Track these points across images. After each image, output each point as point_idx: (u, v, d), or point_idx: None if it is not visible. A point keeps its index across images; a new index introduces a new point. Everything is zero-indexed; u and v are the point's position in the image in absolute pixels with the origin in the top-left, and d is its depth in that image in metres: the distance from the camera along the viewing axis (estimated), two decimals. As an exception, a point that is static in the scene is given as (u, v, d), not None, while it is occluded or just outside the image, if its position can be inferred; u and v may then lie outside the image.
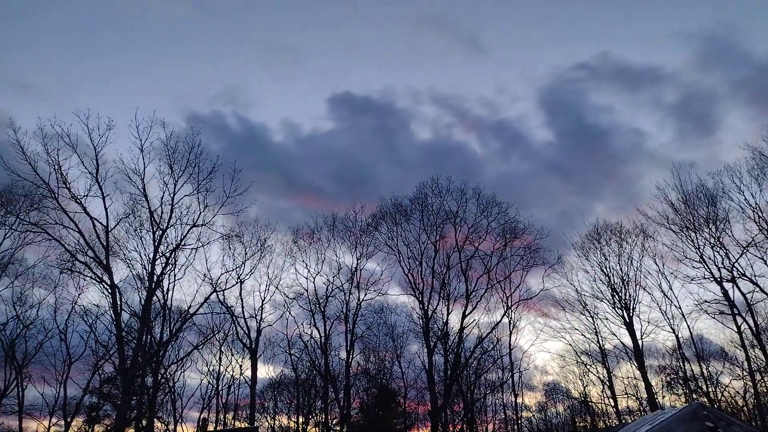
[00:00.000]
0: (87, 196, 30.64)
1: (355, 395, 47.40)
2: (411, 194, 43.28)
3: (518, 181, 79.12)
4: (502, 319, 42.87)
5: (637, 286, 40.00)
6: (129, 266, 34.29)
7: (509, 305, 43.11)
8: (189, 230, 33.12)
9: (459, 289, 41.69)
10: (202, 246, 34.96)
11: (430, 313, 40.60)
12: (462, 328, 40.38)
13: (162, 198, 32.41)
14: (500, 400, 51.07)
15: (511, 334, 44.81)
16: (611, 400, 44.04)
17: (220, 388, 46.75)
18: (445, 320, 40.61)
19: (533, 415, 57.70)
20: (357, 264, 42.84)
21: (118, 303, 31.27)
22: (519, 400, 47.72)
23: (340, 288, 42.75)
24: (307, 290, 43.05)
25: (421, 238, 41.97)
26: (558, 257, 43.02)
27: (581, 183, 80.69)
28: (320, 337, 42.17)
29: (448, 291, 41.18)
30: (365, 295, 42.88)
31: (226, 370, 47.30)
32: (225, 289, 38.36)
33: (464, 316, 40.52)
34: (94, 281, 32.62)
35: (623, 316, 39.50)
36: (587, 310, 42.31)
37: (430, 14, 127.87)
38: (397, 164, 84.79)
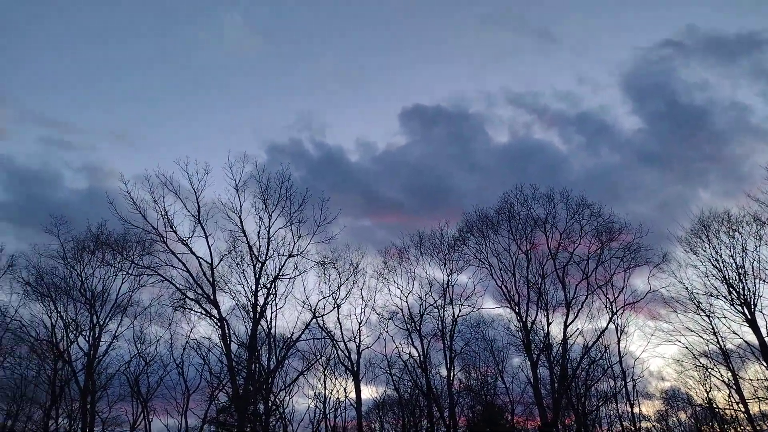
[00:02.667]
0: (192, 237, 32.97)
1: (460, 413, 46.79)
2: (495, 205, 42.48)
3: (609, 174, 75.48)
4: (608, 325, 40.87)
5: (757, 279, 36.71)
6: (234, 299, 36.35)
7: (614, 310, 41.06)
8: (286, 261, 34.74)
9: (557, 298, 40.26)
10: (299, 275, 36.49)
11: (529, 324, 39.50)
12: (565, 338, 38.87)
13: (259, 232, 34.34)
14: (615, 411, 48.35)
15: (619, 341, 42.55)
16: (740, 404, 40.40)
17: (327, 411, 47.84)
18: (546, 331, 39.33)
19: (653, 426, 54.04)
20: (448, 280, 42.68)
21: (227, 335, 33.16)
22: (635, 410, 44.95)
23: (434, 305, 42.71)
24: (401, 309, 43.42)
25: (511, 248, 41.07)
26: (663, 255, 40.21)
27: (680, 170, 75.42)
28: (419, 355, 42.22)
29: (545, 300, 39.89)
30: (460, 310, 42.52)
31: (331, 393, 48.41)
32: (323, 315, 39.48)
33: (566, 326, 39.00)
34: (203, 316, 34.91)
35: (744, 313, 36.33)
36: (701, 309, 39.25)
37: (493, 13, 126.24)
38: (476, 171, 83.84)
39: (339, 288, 41.08)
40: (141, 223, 32.36)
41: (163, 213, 32.47)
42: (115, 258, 37.50)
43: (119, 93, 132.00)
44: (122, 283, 39.42)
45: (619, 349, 42.52)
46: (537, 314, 39.61)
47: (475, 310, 43.07)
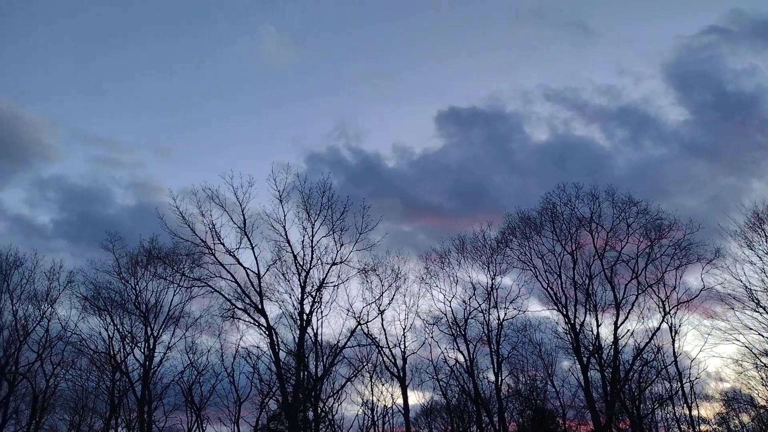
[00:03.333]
0: (239, 248, 33.92)
1: (509, 419, 46.16)
2: (537, 206, 41.87)
3: (655, 169, 73.15)
4: (660, 325, 39.52)
5: (819, 273, 34.95)
6: (281, 308, 37.08)
7: (667, 309, 39.74)
8: (329, 269, 35.34)
9: (606, 298, 39.27)
10: (342, 282, 36.97)
11: (578, 326, 38.71)
12: (616, 339, 37.88)
13: (303, 241, 35.10)
14: (672, 414, 46.73)
15: (673, 341, 41.10)
16: (808, 406, 38.47)
17: (375, 418, 48.01)
18: (595, 333, 38.44)
19: (713, 429, 51.93)
20: (492, 283, 42.27)
21: (275, 343, 33.85)
22: (694, 412, 43.31)
23: (478, 309, 42.34)
24: (445, 314, 43.21)
25: (556, 249, 40.32)
26: (716, 250, 38.64)
27: (731, 160, 72.24)
28: (465, 360, 41.91)
29: (594, 301, 38.99)
30: (505, 314, 42.01)
31: (378, 399, 48.56)
32: (368, 322, 39.74)
33: (616, 327, 38.00)
34: (252, 325, 35.76)
35: (807, 309, 34.66)
36: (761, 306, 37.65)
37: (525, 8, 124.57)
38: (515, 171, 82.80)
39: (382, 294, 41.30)
40: (190, 236, 33.56)
41: (210, 226, 33.61)
42: (167, 271, 38.85)
43: (162, 109, 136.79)
44: (174, 295, 40.86)
45: (673, 349, 41.12)
46: (585, 316, 38.79)
47: (520, 313, 42.51)
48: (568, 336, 39.50)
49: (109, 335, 40.18)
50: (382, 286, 41.54)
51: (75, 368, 42.05)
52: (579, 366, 38.40)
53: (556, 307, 40.11)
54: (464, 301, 42.94)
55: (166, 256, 38.44)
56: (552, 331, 43.52)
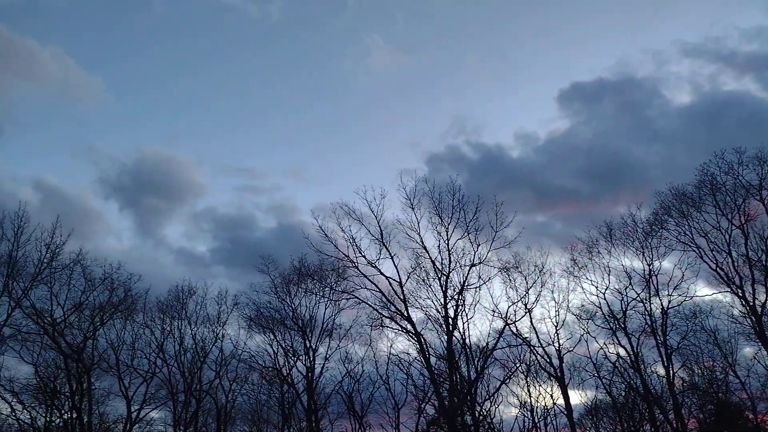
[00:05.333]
0: (379, 259, 34.97)
1: (688, 415, 41.93)
2: (692, 179, 37.72)
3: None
4: None
5: None
6: (425, 313, 37.43)
7: None
8: (469, 271, 35.06)
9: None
10: (484, 283, 36.43)
11: (758, 308, 34.17)
12: (810, 320, 32.89)
13: (439, 246, 35.37)
14: None
15: None
16: None
17: (536, 419, 46.40)
18: (782, 313, 33.65)
19: None
20: (649, 269, 38.87)
21: (425, 348, 34.25)
22: None
23: (637, 298, 39.19)
24: (599, 307, 40.64)
25: (721, 224, 36.04)
26: None
27: None
28: (628, 354, 38.97)
29: (776, 278, 34.19)
30: (669, 301, 38.38)
31: (537, 400, 46.89)
32: (516, 321, 38.64)
33: (809, 305, 32.99)
34: (400, 332, 36.55)
35: None
36: None
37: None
38: (657, 141, 75.42)
39: (527, 292, 39.93)
40: (333, 251, 35.39)
41: (350, 240, 35.15)
42: (316, 286, 41.22)
43: (287, 133, 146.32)
44: (325, 309, 43.19)
45: None
46: (767, 296, 34.15)
47: (687, 298, 38.57)
48: (748, 319, 35.11)
49: (273, 350, 43.54)
50: (527, 283, 40.22)
51: (248, 383, 46.05)
52: (766, 352, 33.89)
53: (729, 289, 35.87)
54: (620, 292, 40.10)
55: (314, 272, 40.90)
56: (727, 316, 38.90)
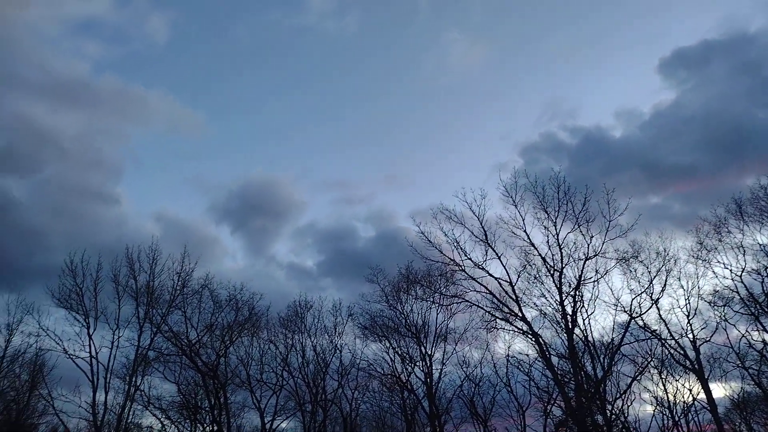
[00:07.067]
0: (485, 260, 34.28)
1: None
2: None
3: None
4: None
5: None
6: (540, 312, 36.11)
7: None
8: (583, 265, 33.29)
9: None
10: (602, 276, 34.42)
11: None
12: None
13: (548, 241, 33.94)
14: None
15: None
16: None
17: (676, 417, 43.03)
18: None
19: None
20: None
21: (544, 348, 33.03)
22: None
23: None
24: (736, 291, 36.95)
25: None
26: None
27: None
28: (777, 341, 35.05)
29: None
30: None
31: (674, 396, 43.52)
32: (642, 314, 36.12)
33: None
34: (516, 333, 35.54)
35: None
36: None
37: None
38: (784, 100, 67.06)
39: (651, 282, 37.14)
40: (438, 256, 35.18)
41: (454, 244, 34.76)
42: (426, 293, 41.33)
43: (377, 143, 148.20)
44: (437, 314, 43.24)
45: None
46: None
47: None
48: None
49: (390, 358, 44.26)
50: (649, 272, 37.44)
51: (369, 391, 47.12)
52: None
53: None
54: (759, 273, 36.21)
55: (422, 278, 41.09)
56: None
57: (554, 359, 35.63)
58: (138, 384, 37.10)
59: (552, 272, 33.72)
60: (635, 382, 39.31)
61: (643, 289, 36.59)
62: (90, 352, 35.12)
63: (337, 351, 45.46)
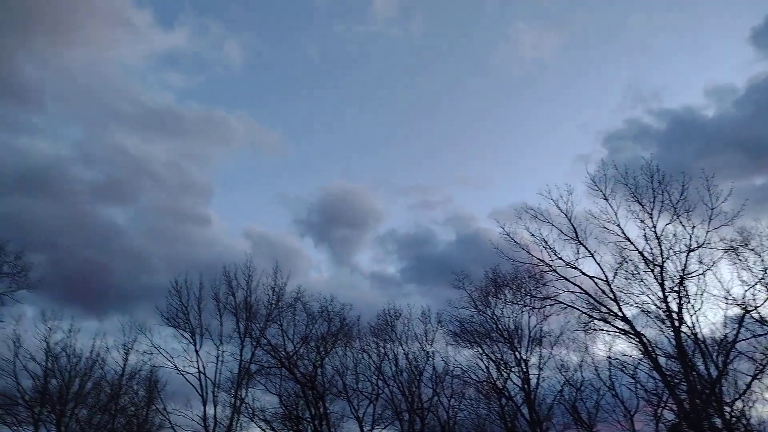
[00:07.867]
0: (578, 259, 33.00)
1: None
2: None
3: None
4: None
5: None
6: (642, 310, 34.12)
7: None
8: (687, 257, 31.17)
9: None
10: (708, 269, 32.04)
11: None
12: None
13: (644, 235, 32.17)
14: None
15: None
16: None
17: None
18: None
19: None
20: None
21: (649, 348, 31.19)
22: None
23: None
24: None
25: None
26: None
27: None
28: None
29: None
30: None
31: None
32: (757, 307, 33.14)
33: None
34: (617, 333, 33.78)
35: None
36: None
37: None
38: None
39: (765, 271, 33.99)
40: (525, 257, 34.30)
41: (543, 244, 33.76)
42: (516, 296, 40.31)
43: (451, 142, 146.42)
44: (529, 317, 41.94)
45: None
46: None
47: None
48: None
49: (485, 364, 43.38)
50: (762, 261, 34.24)
51: (465, 398, 46.41)
52: None
53: None
54: None
55: (510, 281, 40.12)
56: None
57: (661, 359, 33.55)
58: (243, 396, 38.94)
59: (652, 267, 31.82)
60: (755, 380, 36.04)
61: (757, 280, 33.62)
62: (198, 368, 37.37)
63: (430, 358, 45.32)
